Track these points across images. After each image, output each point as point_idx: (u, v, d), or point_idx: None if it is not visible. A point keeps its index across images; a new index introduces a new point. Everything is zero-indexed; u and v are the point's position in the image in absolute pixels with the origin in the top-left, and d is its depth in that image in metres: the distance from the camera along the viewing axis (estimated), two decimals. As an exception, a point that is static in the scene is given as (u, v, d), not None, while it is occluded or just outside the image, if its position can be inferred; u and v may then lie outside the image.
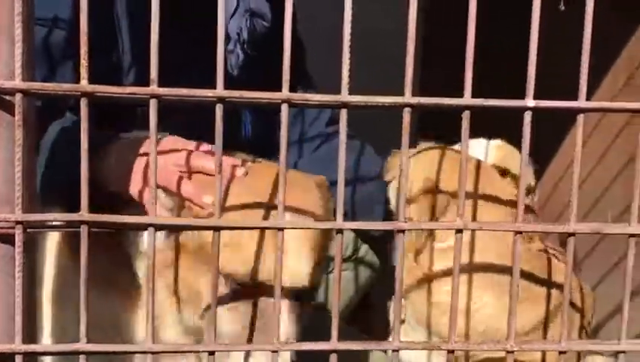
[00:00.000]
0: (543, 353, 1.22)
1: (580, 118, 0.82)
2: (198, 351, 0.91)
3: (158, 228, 0.79)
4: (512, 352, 0.84)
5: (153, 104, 0.76)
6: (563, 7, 1.31)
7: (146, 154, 1.10)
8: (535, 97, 0.80)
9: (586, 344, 0.97)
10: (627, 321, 0.86)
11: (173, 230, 1.10)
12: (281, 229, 0.80)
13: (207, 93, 0.78)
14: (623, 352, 0.86)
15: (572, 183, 0.84)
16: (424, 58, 2.59)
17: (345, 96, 0.78)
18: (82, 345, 0.77)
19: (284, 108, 0.78)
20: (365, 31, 2.12)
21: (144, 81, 0.76)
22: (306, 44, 1.70)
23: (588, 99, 0.81)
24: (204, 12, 1.10)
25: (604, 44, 1.15)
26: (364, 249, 1.67)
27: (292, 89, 0.79)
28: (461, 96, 0.80)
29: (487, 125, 1.30)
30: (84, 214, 0.77)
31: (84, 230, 0.77)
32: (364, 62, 1.24)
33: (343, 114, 0.79)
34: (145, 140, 1.13)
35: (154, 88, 0.76)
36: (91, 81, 0.74)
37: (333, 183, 0.83)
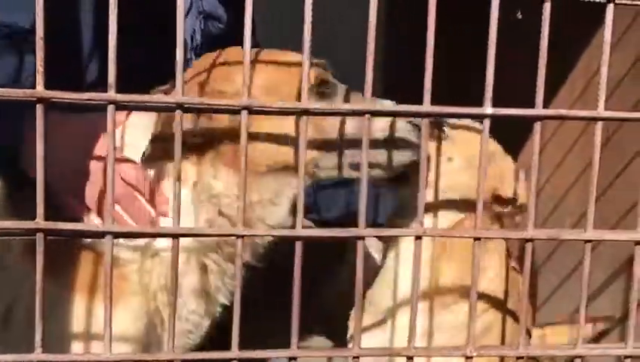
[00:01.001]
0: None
1: (537, 125, 0.83)
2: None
3: (116, 236, 0.78)
4: (471, 357, 0.85)
5: (111, 110, 0.75)
6: (520, 16, 1.33)
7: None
8: (494, 105, 0.81)
9: (543, 349, 0.98)
10: (584, 326, 0.87)
11: (128, 237, 1.09)
12: (240, 237, 0.80)
13: (167, 99, 0.77)
14: (581, 357, 0.87)
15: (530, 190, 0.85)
16: (388, 62, 2.60)
17: (305, 102, 0.78)
18: (37, 355, 0.76)
19: (244, 114, 0.78)
20: (330, 36, 2.13)
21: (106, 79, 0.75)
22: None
23: (545, 107, 0.83)
24: (163, 16, 1.10)
25: (562, 53, 1.17)
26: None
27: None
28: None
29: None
30: (39, 222, 0.75)
31: (39, 238, 0.75)
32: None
33: (304, 121, 0.79)
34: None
35: (111, 94, 0.75)
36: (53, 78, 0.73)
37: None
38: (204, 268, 1.21)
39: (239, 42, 0.78)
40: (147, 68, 1.24)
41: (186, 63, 1.49)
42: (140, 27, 1.34)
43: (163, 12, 1.05)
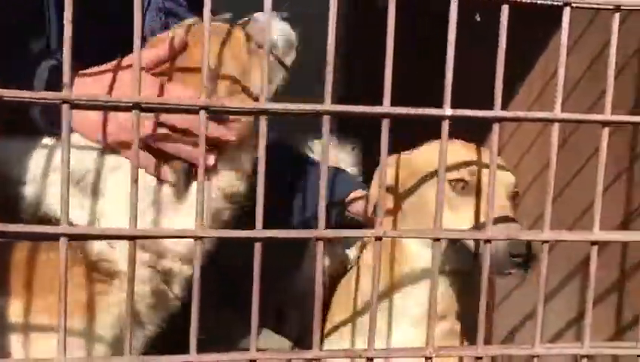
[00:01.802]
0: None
1: (496, 126, 0.83)
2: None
3: (71, 238, 0.76)
4: (431, 358, 0.85)
5: (65, 109, 0.74)
6: (479, 19, 1.34)
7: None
8: (453, 106, 0.81)
9: (501, 349, 0.98)
10: (541, 325, 0.88)
11: (84, 239, 1.07)
12: (199, 238, 0.79)
13: (125, 99, 0.76)
14: (537, 356, 0.88)
15: (488, 191, 0.86)
16: (348, 64, 2.61)
17: (264, 103, 0.78)
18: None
19: (202, 114, 0.77)
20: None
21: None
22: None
23: (504, 108, 0.83)
24: (121, 10, 1.09)
25: (520, 55, 1.18)
26: None
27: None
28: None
29: (409, 133, 1.32)
30: (-8, 223, 0.74)
31: (-9, 240, 0.74)
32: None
33: (263, 121, 0.79)
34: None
35: (66, 93, 0.73)
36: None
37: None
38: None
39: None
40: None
41: None
42: (98, 24, 1.33)
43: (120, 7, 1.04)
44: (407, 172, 1.33)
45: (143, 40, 1.48)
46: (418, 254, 1.30)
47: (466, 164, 1.26)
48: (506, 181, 1.26)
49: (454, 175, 1.24)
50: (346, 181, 1.62)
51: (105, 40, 1.30)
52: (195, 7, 1.51)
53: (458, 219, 1.23)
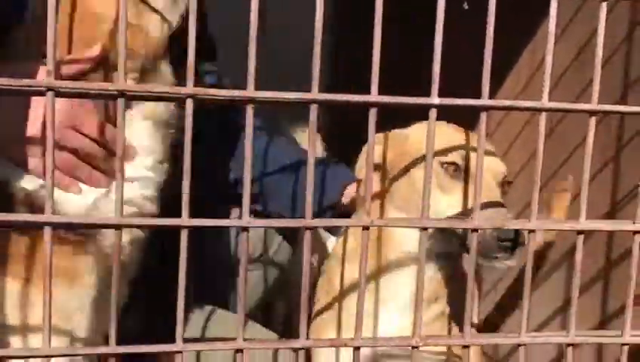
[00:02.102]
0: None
1: (483, 115, 0.83)
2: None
3: (55, 227, 0.76)
4: (417, 347, 0.85)
5: (50, 96, 0.73)
6: (467, 7, 1.33)
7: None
8: (441, 95, 0.81)
9: (487, 338, 0.99)
10: (527, 314, 0.88)
11: (70, 228, 1.06)
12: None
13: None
14: (523, 344, 0.88)
15: (475, 180, 0.85)
16: (335, 52, 2.60)
17: (251, 91, 0.77)
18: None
19: (189, 103, 0.76)
20: (277, 26, 2.11)
21: None
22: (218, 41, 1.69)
23: (491, 97, 0.83)
24: None
25: (507, 44, 1.18)
26: (274, 248, 1.66)
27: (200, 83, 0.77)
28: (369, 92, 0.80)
29: (395, 121, 1.31)
30: (-24, 212, 0.73)
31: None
32: (276, 58, 1.22)
33: (249, 110, 0.78)
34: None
35: (50, 80, 0.72)
36: None
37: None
38: None
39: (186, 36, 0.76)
40: None
41: None
42: None
43: None
44: (396, 151, 1.32)
45: None
46: (405, 236, 1.29)
47: (459, 147, 1.26)
48: (495, 168, 1.27)
49: (447, 158, 1.24)
50: (336, 177, 1.59)
51: None
52: None
53: (450, 201, 1.23)
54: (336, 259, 1.40)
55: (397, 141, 1.33)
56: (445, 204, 1.23)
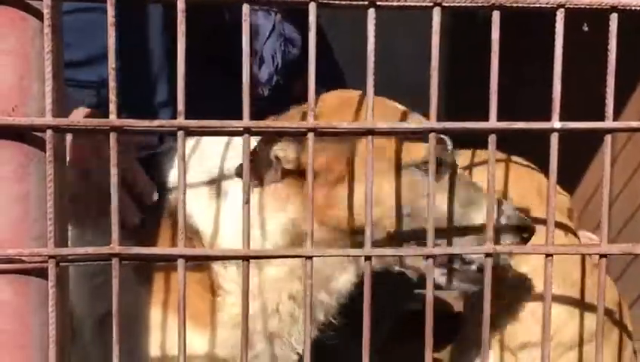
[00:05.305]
0: None
1: (608, 138, 0.81)
2: None
3: (188, 259, 0.79)
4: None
5: (181, 136, 0.77)
6: (587, 28, 1.30)
7: None
8: (561, 118, 0.80)
9: None
10: None
11: (202, 260, 1.10)
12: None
13: (235, 124, 0.78)
14: None
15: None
16: (450, 81, 2.59)
17: (370, 122, 0.79)
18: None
19: (311, 136, 0.79)
20: (390, 54, 2.14)
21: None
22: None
23: (615, 119, 0.81)
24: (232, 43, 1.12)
25: (631, 64, 1.14)
26: None
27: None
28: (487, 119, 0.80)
29: (515, 147, 1.30)
30: (114, 247, 0.77)
31: (115, 263, 0.77)
32: (390, 87, 1.19)
33: (369, 140, 0.79)
34: None
35: (181, 121, 0.76)
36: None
37: None
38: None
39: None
40: (216, 93, 1.28)
41: (269, 81, 1.60)
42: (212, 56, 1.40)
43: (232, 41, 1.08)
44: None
45: (262, 61, 1.55)
46: None
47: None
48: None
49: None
50: None
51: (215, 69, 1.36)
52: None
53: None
54: None
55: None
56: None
